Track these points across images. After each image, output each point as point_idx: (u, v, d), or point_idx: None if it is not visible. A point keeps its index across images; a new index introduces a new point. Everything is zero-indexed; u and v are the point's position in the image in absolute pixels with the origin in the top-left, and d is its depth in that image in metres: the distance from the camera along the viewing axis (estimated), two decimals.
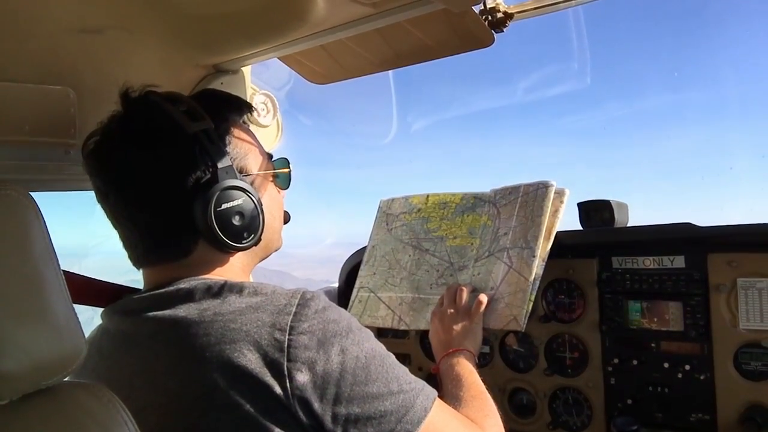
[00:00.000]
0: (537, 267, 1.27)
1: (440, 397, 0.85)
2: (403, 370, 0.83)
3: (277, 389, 0.71)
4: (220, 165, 0.82)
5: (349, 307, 1.53)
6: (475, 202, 1.47)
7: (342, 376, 0.75)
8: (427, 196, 1.57)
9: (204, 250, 0.85)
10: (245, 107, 0.95)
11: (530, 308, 1.24)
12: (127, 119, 0.85)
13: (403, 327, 1.42)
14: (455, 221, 1.47)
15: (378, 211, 1.65)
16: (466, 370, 1.10)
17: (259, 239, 0.88)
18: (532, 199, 1.35)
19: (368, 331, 0.83)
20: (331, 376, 0.74)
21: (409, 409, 0.78)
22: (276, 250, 1.00)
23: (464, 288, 1.30)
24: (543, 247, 1.29)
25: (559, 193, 1.34)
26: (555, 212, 1.32)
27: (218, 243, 0.83)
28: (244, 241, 0.85)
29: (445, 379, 1.11)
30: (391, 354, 0.84)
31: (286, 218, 1.01)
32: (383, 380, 0.78)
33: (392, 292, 1.48)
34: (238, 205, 0.83)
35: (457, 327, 1.21)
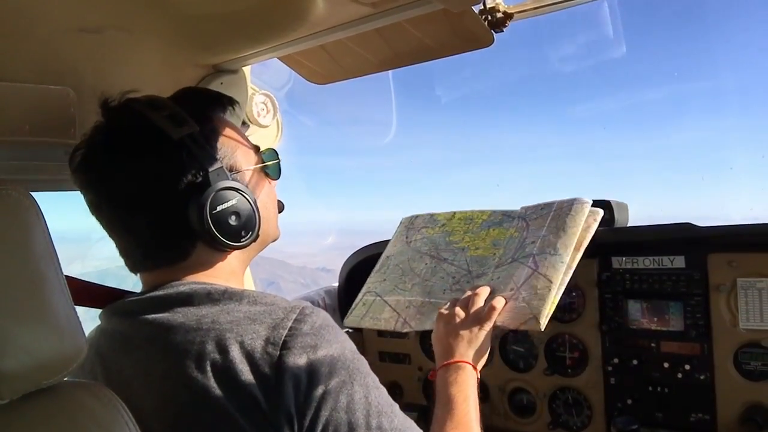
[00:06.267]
0: (564, 273, 1.17)
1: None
2: (389, 407, 0.78)
3: (263, 405, 0.70)
4: (210, 168, 0.81)
5: (351, 308, 1.52)
6: (503, 218, 1.40)
7: (324, 398, 0.72)
8: (454, 213, 1.51)
9: (202, 251, 0.84)
10: (227, 102, 0.92)
11: (552, 310, 1.13)
12: (110, 130, 0.83)
13: (407, 329, 1.35)
14: (479, 234, 1.41)
15: (399, 226, 1.59)
16: (462, 394, 0.99)
17: (257, 236, 0.87)
18: (565, 213, 1.28)
19: (362, 358, 0.80)
20: (314, 398, 0.72)
21: None
22: (274, 240, 0.98)
23: (479, 292, 1.16)
24: (573, 257, 1.20)
25: (594, 213, 1.28)
26: (587, 228, 1.25)
27: (217, 244, 0.82)
28: (243, 240, 0.85)
29: (438, 397, 1.02)
30: (383, 387, 0.80)
31: (280, 207, 0.99)
32: (363, 412, 0.74)
33: (400, 296, 1.41)
34: (233, 205, 0.82)
35: (464, 332, 1.08)
